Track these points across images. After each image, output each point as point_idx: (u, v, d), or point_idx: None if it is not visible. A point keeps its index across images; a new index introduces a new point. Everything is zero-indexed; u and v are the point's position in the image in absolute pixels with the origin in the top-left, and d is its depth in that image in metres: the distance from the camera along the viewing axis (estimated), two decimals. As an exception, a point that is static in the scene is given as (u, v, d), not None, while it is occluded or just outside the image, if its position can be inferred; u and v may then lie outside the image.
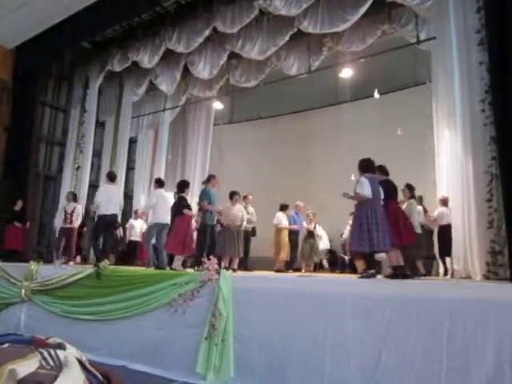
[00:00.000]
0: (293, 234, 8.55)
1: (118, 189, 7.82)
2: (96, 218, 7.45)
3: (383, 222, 4.85)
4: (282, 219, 8.34)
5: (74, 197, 8.93)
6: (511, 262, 4.66)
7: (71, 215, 8.56)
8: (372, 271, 4.89)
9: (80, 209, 8.86)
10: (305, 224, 8.80)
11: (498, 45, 5.06)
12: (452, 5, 5.99)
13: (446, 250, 6.24)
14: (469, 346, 3.27)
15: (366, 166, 5.16)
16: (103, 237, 7.21)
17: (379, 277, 5.16)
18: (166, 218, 6.82)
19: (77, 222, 8.68)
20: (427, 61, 7.08)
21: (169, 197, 7.09)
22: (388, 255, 5.08)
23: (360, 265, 5.17)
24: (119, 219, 9.66)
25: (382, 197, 5.06)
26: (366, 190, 4.87)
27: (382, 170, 5.49)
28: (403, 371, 3.46)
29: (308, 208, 8.97)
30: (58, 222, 8.72)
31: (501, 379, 3.11)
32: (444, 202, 6.57)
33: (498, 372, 3.13)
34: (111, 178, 7.44)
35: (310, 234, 8.77)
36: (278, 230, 8.30)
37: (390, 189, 5.24)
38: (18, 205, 8.98)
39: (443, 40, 6.16)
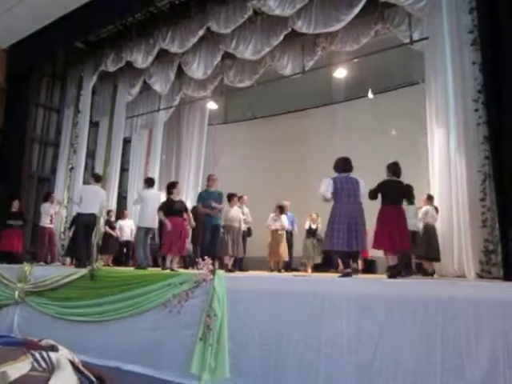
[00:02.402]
0: (288, 235, 8.51)
1: (102, 190, 7.71)
2: (76, 217, 7.57)
3: (356, 222, 4.89)
4: (272, 221, 8.24)
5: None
6: (504, 261, 4.68)
7: (55, 216, 9.19)
8: (347, 270, 4.94)
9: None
10: (308, 224, 8.80)
11: (491, 45, 5.09)
12: (445, 5, 6.02)
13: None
14: (463, 344, 3.28)
15: (338, 166, 5.28)
16: (85, 238, 7.08)
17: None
18: (152, 221, 6.70)
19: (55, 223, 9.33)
20: (421, 61, 7.10)
21: (157, 197, 6.97)
22: (385, 256, 5.10)
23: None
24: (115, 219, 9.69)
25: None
26: (322, 190, 5.04)
27: (389, 169, 5.31)
28: (398, 370, 3.47)
29: (310, 208, 8.93)
30: (46, 224, 8.84)
31: (495, 377, 3.13)
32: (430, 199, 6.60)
33: (493, 370, 3.15)
34: (97, 178, 7.45)
35: (312, 234, 8.77)
36: (272, 232, 8.23)
37: (385, 191, 5.16)
38: (15, 206, 8.89)
39: (436, 40, 6.20)
